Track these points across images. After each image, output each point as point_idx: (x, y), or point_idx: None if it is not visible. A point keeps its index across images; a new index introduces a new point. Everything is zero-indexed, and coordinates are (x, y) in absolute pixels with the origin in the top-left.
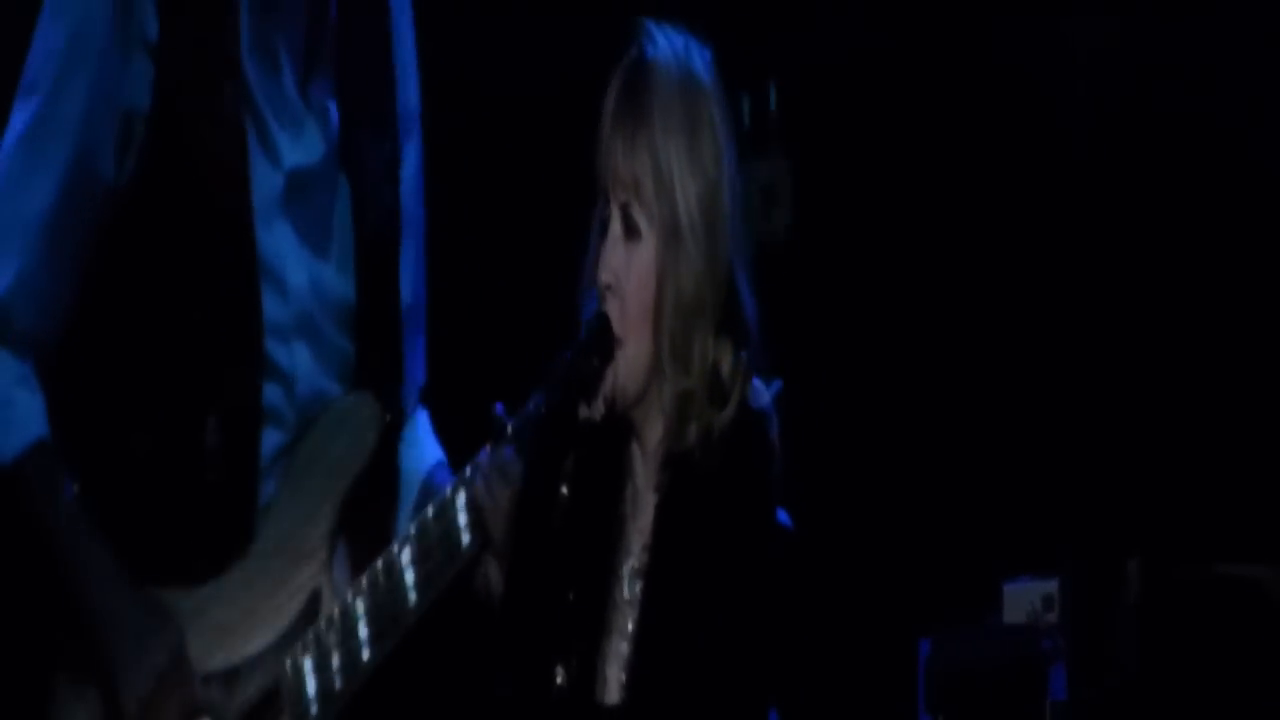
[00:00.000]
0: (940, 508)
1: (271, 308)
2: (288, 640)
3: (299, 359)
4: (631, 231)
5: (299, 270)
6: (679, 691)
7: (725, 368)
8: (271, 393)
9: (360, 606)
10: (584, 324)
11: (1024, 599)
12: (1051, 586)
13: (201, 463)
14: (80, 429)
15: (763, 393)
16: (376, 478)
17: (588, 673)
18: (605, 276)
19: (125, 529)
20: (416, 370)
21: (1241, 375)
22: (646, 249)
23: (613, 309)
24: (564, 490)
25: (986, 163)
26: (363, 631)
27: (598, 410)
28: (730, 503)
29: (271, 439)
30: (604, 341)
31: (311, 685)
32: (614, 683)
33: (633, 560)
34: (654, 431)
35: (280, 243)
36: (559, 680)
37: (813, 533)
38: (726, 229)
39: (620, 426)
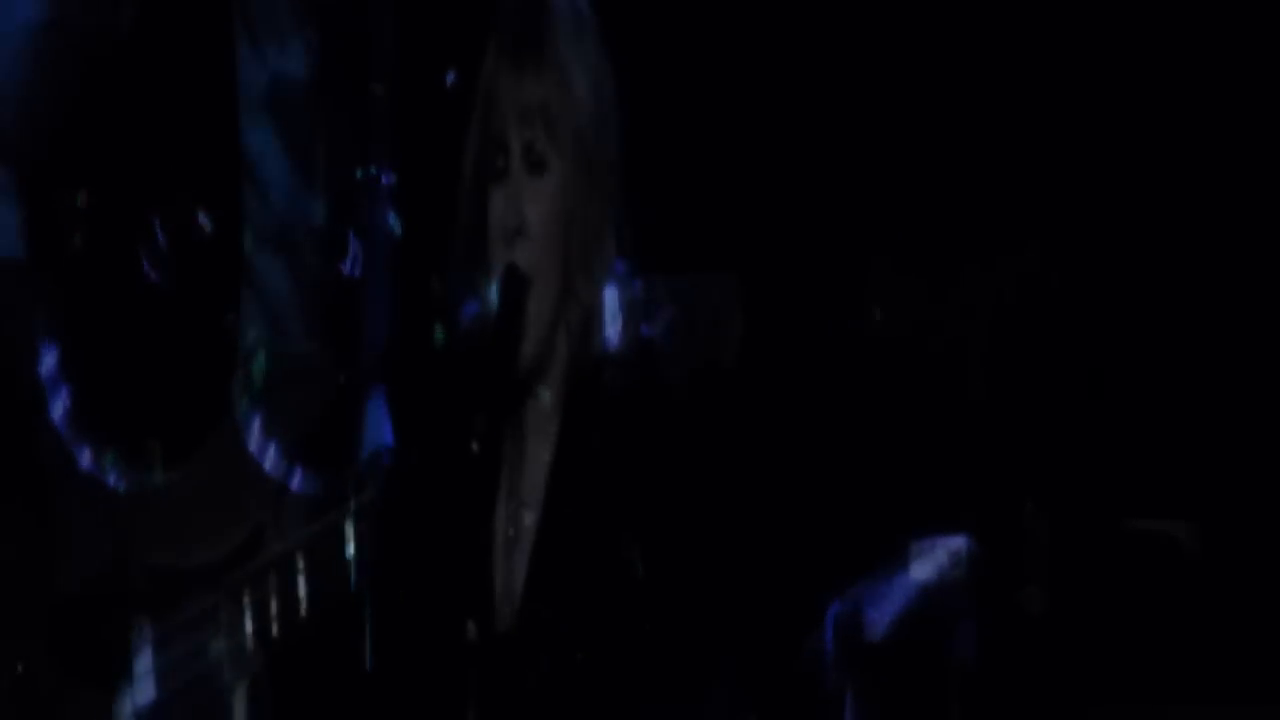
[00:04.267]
0: (845, 464)
1: (251, 207)
2: (227, 566)
3: (273, 269)
4: (537, 167)
5: (280, 178)
6: (569, 627)
7: (619, 285)
8: (245, 296)
9: (301, 562)
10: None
11: (931, 556)
12: (960, 544)
13: (169, 338)
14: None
15: (657, 321)
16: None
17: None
18: (512, 220)
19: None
20: (377, 336)
21: (1150, 330)
22: (553, 182)
23: (522, 252)
24: (474, 447)
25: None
26: (301, 587)
27: (527, 355)
28: (628, 447)
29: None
30: (519, 288)
31: (249, 624)
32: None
33: (520, 500)
34: (554, 373)
35: (264, 144)
36: (470, 633)
37: (716, 491)
38: (618, 149)
39: (523, 379)
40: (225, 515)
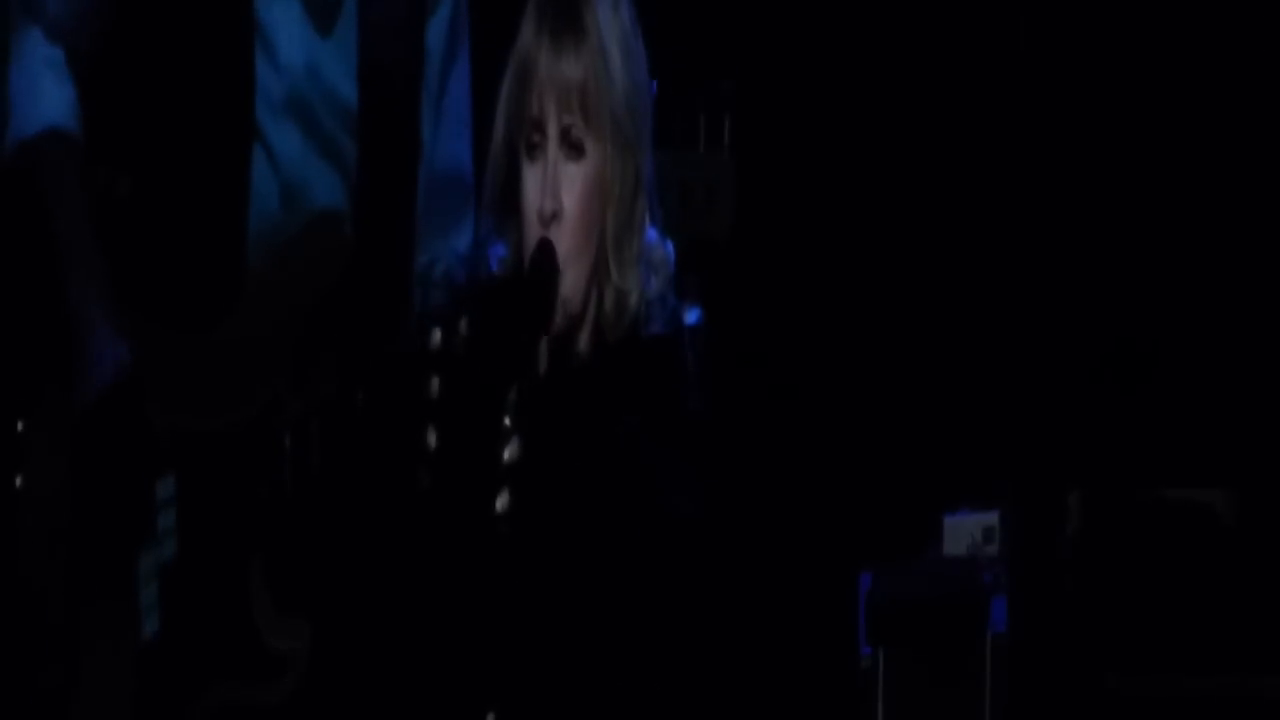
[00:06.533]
0: (880, 439)
1: (263, 75)
2: (245, 435)
3: (287, 137)
4: (575, 150)
5: (296, 49)
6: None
7: (654, 260)
8: (257, 160)
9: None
10: (491, 258)
11: (964, 531)
12: (992, 519)
13: (190, 203)
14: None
15: (689, 310)
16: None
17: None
18: (550, 204)
19: (125, 254)
20: (456, 238)
21: (1183, 302)
22: (591, 165)
23: (556, 237)
24: (507, 422)
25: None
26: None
27: (557, 332)
28: (649, 420)
29: (255, 209)
30: (551, 265)
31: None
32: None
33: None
34: (580, 351)
35: (281, 17)
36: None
37: (752, 465)
38: (649, 120)
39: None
40: (245, 380)
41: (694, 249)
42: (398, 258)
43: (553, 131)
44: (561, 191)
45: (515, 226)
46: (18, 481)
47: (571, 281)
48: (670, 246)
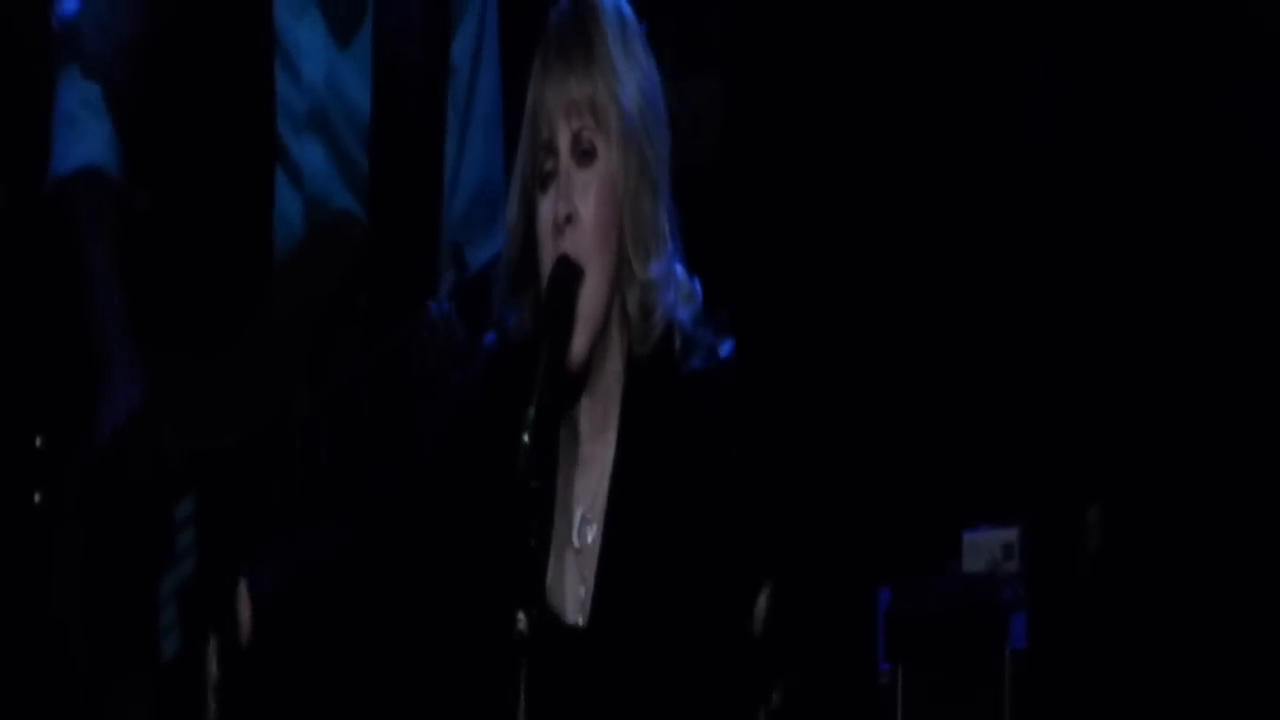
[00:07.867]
0: (899, 455)
1: (286, 92)
2: (261, 443)
3: (310, 153)
4: (586, 156)
5: (317, 65)
6: (641, 623)
7: (682, 293)
8: (279, 179)
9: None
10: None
11: (984, 548)
12: (1011, 535)
13: (215, 226)
14: None
15: (725, 343)
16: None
17: (547, 617)
18: (563, 207)
19: (152, 275)
20: (485, 248)
21: (1204, 318)
22: (603, 167)
23: (572, 241)
24: (526, 438)
25: (931, 103)
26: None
27: (580, 349)
28: (691, 451)
29: (279, 225)
30: (571, 278)
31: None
32: (571, 618)
33: (583, 509)
34: (609, 372)
35: (304, 35)
36: (520, 626)
37: (771, 481)
38: (665, 135)
39: (576, 372)
40: (261, 391)
41: (687, 183)
42: (415, 242)
43: (564, 144)
44: (574, 195)
45: (533, 296)
46: (36, 499)
47: (590, 286)
48: (698, 283)
